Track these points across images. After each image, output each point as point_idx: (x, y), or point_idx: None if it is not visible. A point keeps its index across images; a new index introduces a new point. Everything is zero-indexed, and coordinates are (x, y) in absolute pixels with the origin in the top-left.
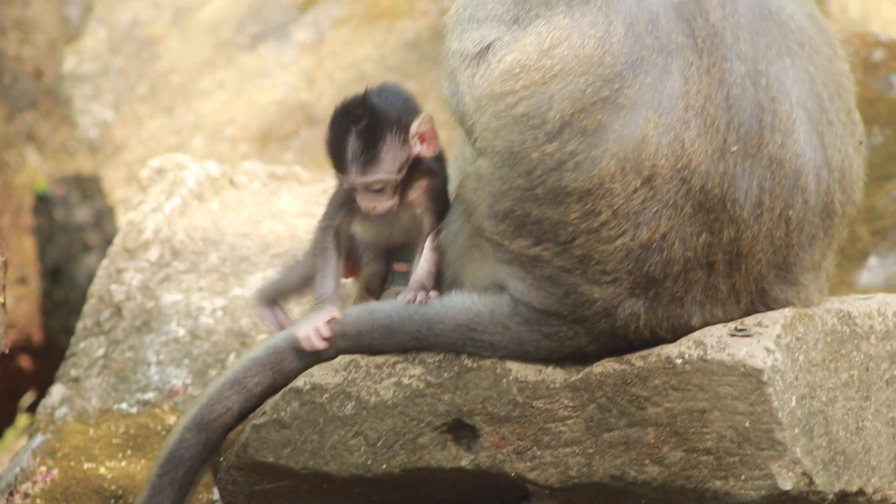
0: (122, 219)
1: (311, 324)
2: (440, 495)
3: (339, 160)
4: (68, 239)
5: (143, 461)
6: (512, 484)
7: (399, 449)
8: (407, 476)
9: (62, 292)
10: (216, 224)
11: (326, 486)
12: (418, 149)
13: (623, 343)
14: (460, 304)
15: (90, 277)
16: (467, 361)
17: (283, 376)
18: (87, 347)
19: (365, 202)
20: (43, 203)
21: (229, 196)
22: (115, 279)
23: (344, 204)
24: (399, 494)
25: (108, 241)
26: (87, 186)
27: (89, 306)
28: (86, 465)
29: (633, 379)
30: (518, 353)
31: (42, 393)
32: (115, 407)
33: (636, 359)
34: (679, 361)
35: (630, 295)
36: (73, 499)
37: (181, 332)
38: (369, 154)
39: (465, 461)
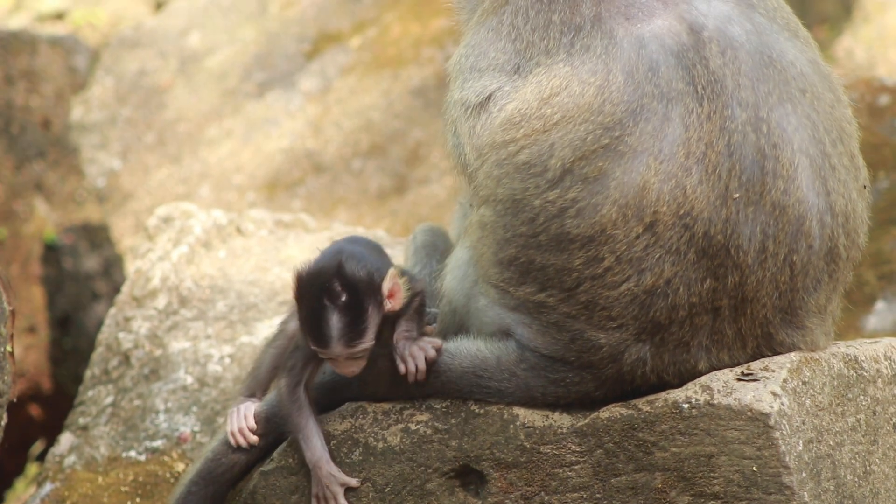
0: (130, 267)
1: (332, 499)
2: None
3: (320, 337)
4: (77, 287)
5: None
6: None
7: (407, 495)
8: None
9: (71, 341)
10: (223, 272)
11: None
12: (389, 305)
13: (630, 388)
14: (466, 350)
15: (99, 326)
16: (474, 407)
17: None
18: (95, 396)
19: (343, 368)
20: (51, 252)
21: (236, 244)
22: (123, 327)
23: (310, 359)
24: None
25: (117, 290)
26: (96, 235)
27: (97, 354)
28: None
29: (640, 424)
30: (525, 399)
31: (51, 441)
32: (124, 455)
33: (643, 404)
34: (686, 406)
35: (636, 340)
36: None
37: (189, 379)
38: (355, 329)
39: None
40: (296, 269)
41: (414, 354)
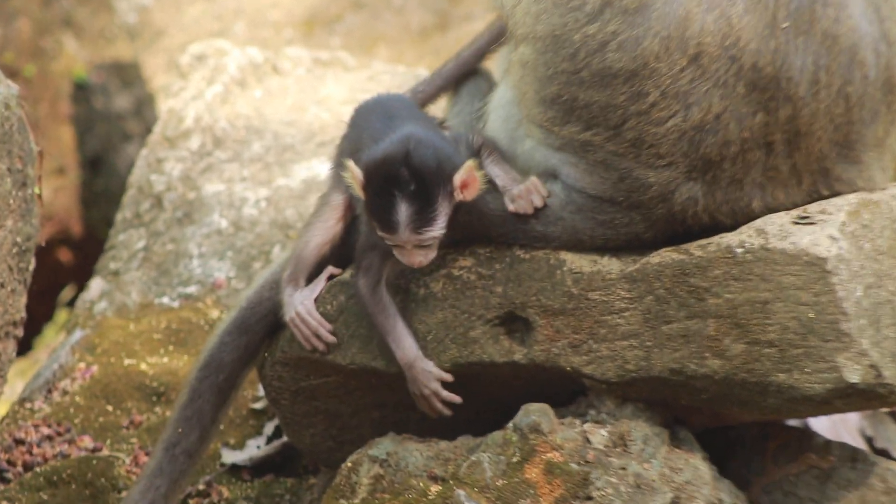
0: (163, 106)
1: (433, 396)
2: (494, 391)
3: (388, 224)
4: (107, 127)
5: (185, 357)
6: (568, 379)
7: (450, 343)
8: (458, 371)
9: (102, 182)
10: (259, 112)
11: (375, 382)
12: (461, 196)
13: (681, 229)
14: None
15: (130, 167)
16: (519, 252)
17: None
18: (126, 240)
19: (410, 258)
20: (81, 91)
21: (273, 83)
22: (155, 169)
23: (386, 256)
24: (450, 390)
25: (148, 130)
26: (127, 73)
27: (129, 197)
28: (126, 361)
29: (693, 269)
30: (572, 243)
31: (81, 287)
32: (157, 301)
33: (695, 248)
34: (740, 251)
35: (687, 178)
36: (114, 395)
37: (224, 223)
38: (423, 216)
39: (519, 355)
40: (362, 157)
41: (523, 194)
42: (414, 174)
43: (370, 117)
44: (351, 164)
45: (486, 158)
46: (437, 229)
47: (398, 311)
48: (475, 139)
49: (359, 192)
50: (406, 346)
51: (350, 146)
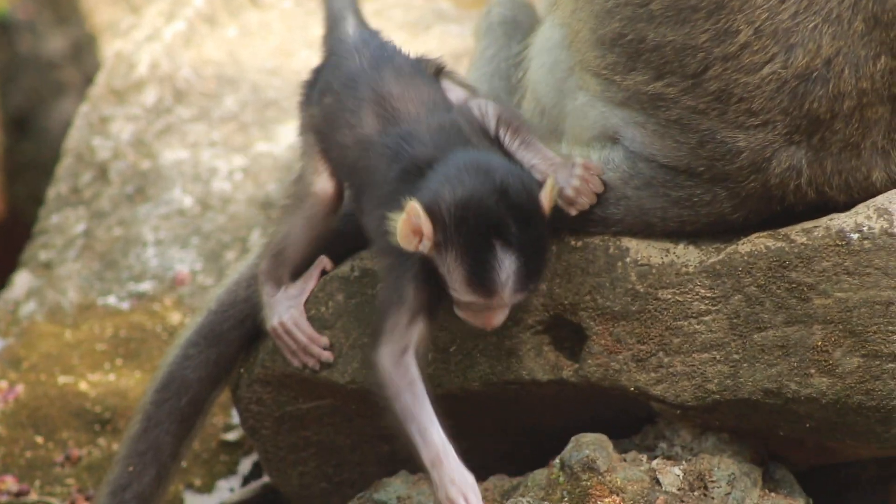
0: (108, 50)
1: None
2: (535, 417)
3: (487, 286)
4: (36, 77)
5: (137, 374)
6: (631, 402)
7: (479, 356)
8: (490, 392)
9: (29, 148)
10: (233, 56)
11: (382, 406)
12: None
13: (779, 208)
14: None
15: (65, 128)
16: (569, 239)
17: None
18: (61, 222)
19: (489, 320)
20: (2, 30)
21: (251, 19)
22: (98, 131)
23: (417, 311)
24: (480, 417)
25: (90, 81)
26: (61, 7)
27: (64, 167)
28: (61, 380)
29: (794, 260)
30: (638, 227)
31: (3, 283)
32: (100, 301)
33: (797, 233)
34: (855, 237)
35: (787, 142)
36: (45, 423)
37: (187, 201)
38: (533, 267)
39: (568, 371)
40: (426, 200)
41: (580, 189)
42: (515, 217)
43: (349, 96)
44: (416, 206)
45: (511, 143)
46: (542, 280)
47: (426, 390)
48: (488, 110)
49: (422, 247)
50: (432, 438)
51: (335, 145)
